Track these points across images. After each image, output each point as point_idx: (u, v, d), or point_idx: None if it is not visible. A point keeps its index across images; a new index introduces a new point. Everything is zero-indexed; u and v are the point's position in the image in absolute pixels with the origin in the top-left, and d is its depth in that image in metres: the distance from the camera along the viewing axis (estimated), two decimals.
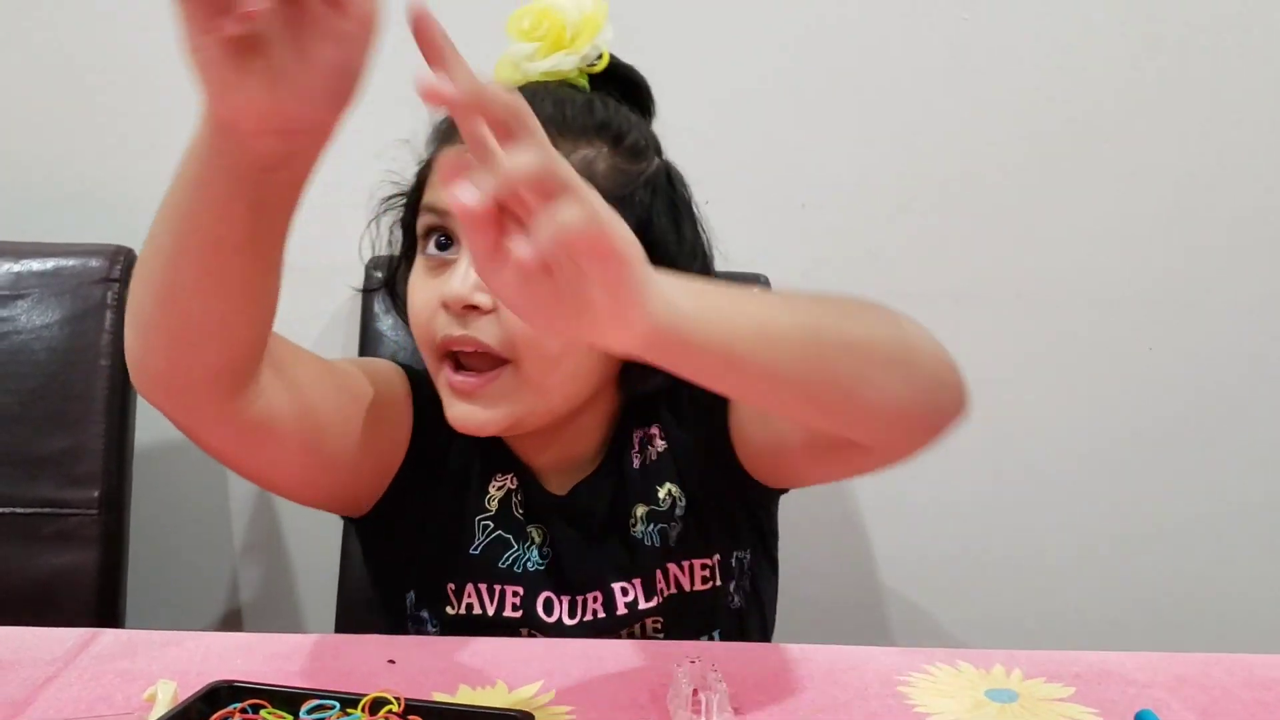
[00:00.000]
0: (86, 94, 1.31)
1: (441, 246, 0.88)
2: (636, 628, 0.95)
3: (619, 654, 0.84)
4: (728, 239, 1.33)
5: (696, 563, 0.96)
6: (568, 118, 0.88)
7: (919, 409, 0.78)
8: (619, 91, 0.94)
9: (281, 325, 1.37)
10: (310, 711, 0.67)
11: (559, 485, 0.97)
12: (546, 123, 0.82)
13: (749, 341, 0.68)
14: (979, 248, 1.35)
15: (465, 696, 0.77)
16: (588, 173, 0.86)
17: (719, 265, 1.29)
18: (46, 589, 1.15)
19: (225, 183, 0.65)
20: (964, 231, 1.34)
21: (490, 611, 0.94)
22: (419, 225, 0.90)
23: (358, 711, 0.67)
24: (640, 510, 0.95)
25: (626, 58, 1.30)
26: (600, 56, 0.93)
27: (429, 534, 0.96)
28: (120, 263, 1.21)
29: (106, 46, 1.30)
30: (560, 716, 0.75)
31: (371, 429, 0.90)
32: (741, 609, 0.99)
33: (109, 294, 1.20)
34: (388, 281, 0.98)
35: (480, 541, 0.95)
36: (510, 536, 0.95)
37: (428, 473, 0.95)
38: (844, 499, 1.22)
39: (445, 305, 0.85)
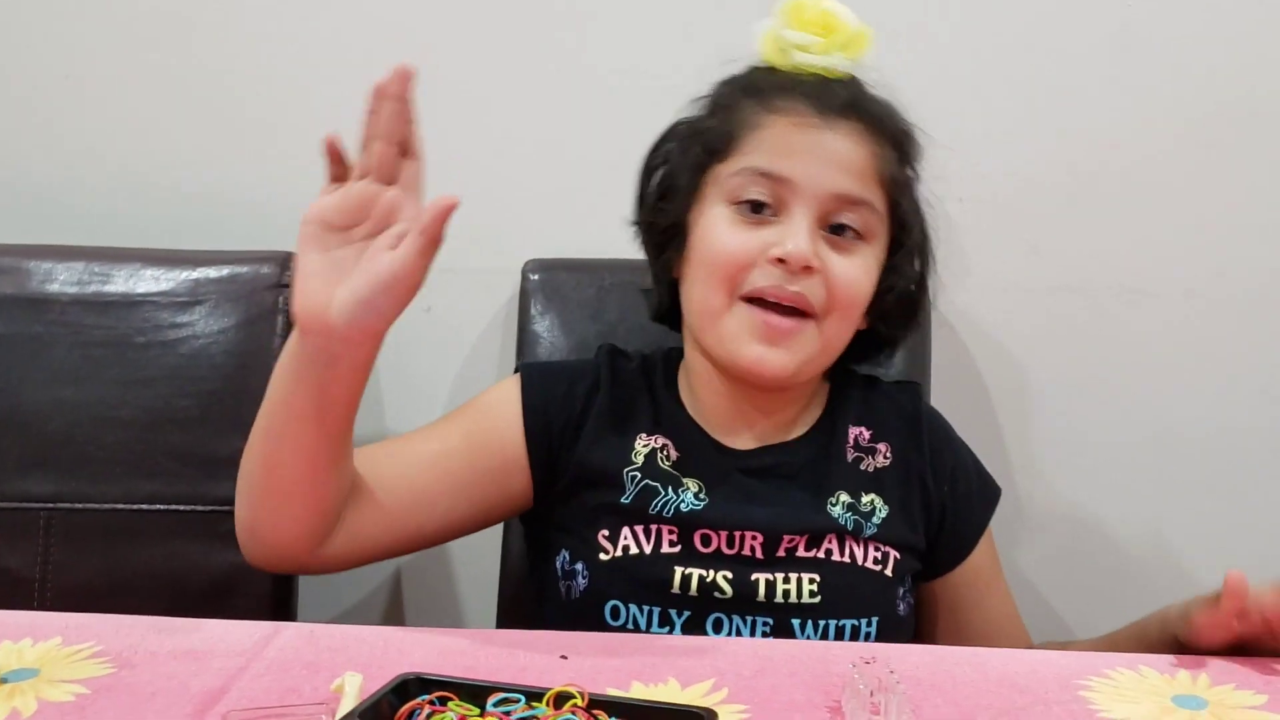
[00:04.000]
0: (260, 110, 1.36)
1: (757, 209, 0.96)
2: (793, 582, 0.96)
3: (790, 654, 0.84)
4: None
5: (873, 544, 0.99)
6: (889, 117, 1.00)
7: None
8: None
9: (443, 327, 1.40)
10: (496, 704, 0.69)
11: (743, 443, 1.02)
12: (874, 118, 0.98)
13: None
14: (1149, 243, 1.30)
15: (638, 692, 0.78)
16: (894, 170, 0.99)
17: None
18: (225, 584, 1.20)
19: (295, 369, 0.87)
20: (1133, 226, 1.30)
21: (648, 550, 0.97)
22: (734, 183, 0.97)
23: (543, 705, 0.68)
24: (844, 497, 1.01)
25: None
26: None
27: (579, 495, 1.01)
28: (290, 268, 1.25)
29: (280, 61, 1.35)
30: (735, 715, 0.75)
31: (471, 484, 1.00)
32: (905, 617, 1.01)
33: (280, 299, 1.24)
34: (663, 225, 1.02)
35: (630, 491, 0.99)
36: (658, 484, 0.99)
37: (565, 450, 1.02)
38: (1010, 501, 1.19)
39: (783, 260, 0.94)
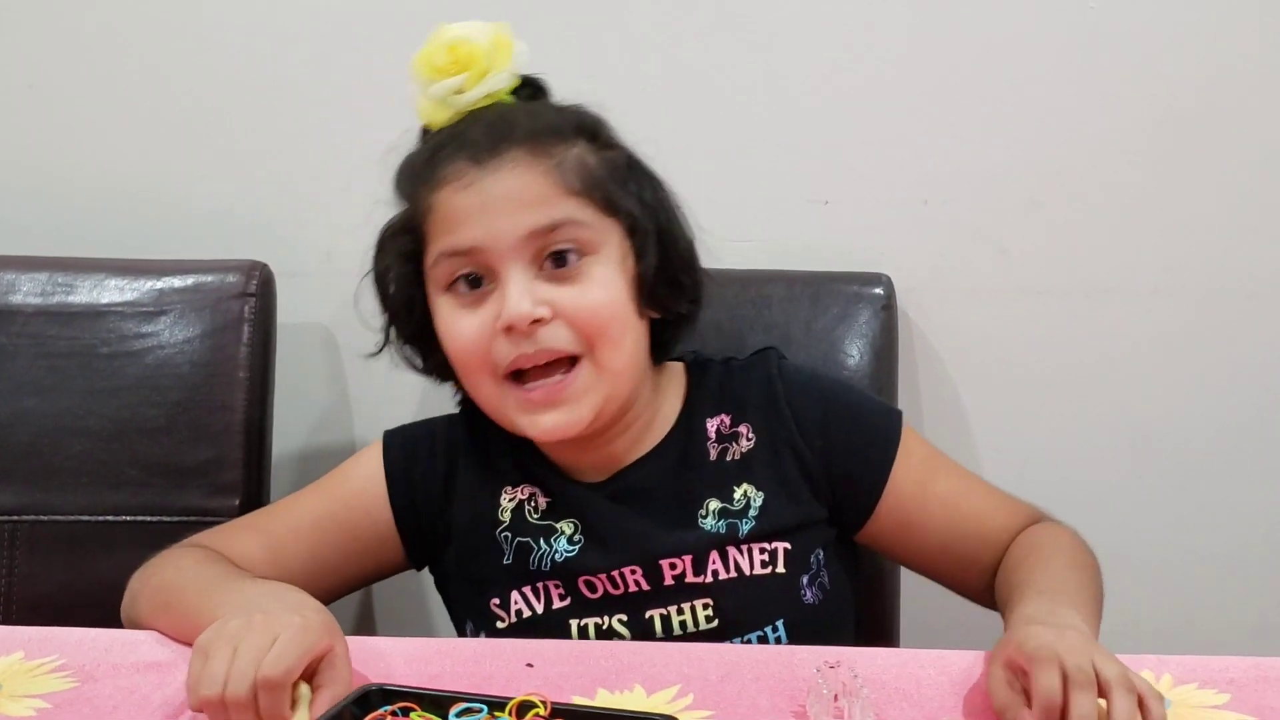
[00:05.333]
0: (223, 118, 1.36)
1: (473, 284, 0.93)
2: (687, 612, 0.95)
3: (755, 659, 0.84)
4: (849, 238, 1.33)
5: (756, 546, 0.97)
6: (547, 125, 0.94)
7: None
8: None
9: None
10: (459, 714, 0.69)
11: (600, 474, 0.99)
12: (529, 135, 0.92)
13: None
14: (1113, 242, 1.31)
15: (603, 700, 0.78)
16: (583, 168, 0.94)
17: (842, 266, 1.30)
18: None
19: None
20: (1098, 225, 1.30)
21: (540, 610, 0.97)
22: (439, 273, 0.94)
23: (505, 714, 0.68)
24: (713, 504, 0.97)
25: (744, 51, 1.30)
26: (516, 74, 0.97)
27: (464, 562, 1.01)
28: (256, 278, 1.25)
29: (240, 69, 1.35)
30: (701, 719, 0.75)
31: (337, 563, 1.00)
32: (818, 604, 0.98)
33: (246, 308, 1.23)
34: (410, 337, 1.00)
35: (508, 551, 0.98)
36: (529, 539, 0.98)
37: (435, 516, 1.01)
38: None
39: (510, 328, 0.90)
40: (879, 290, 1.26)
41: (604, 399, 0.93)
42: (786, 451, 0.99)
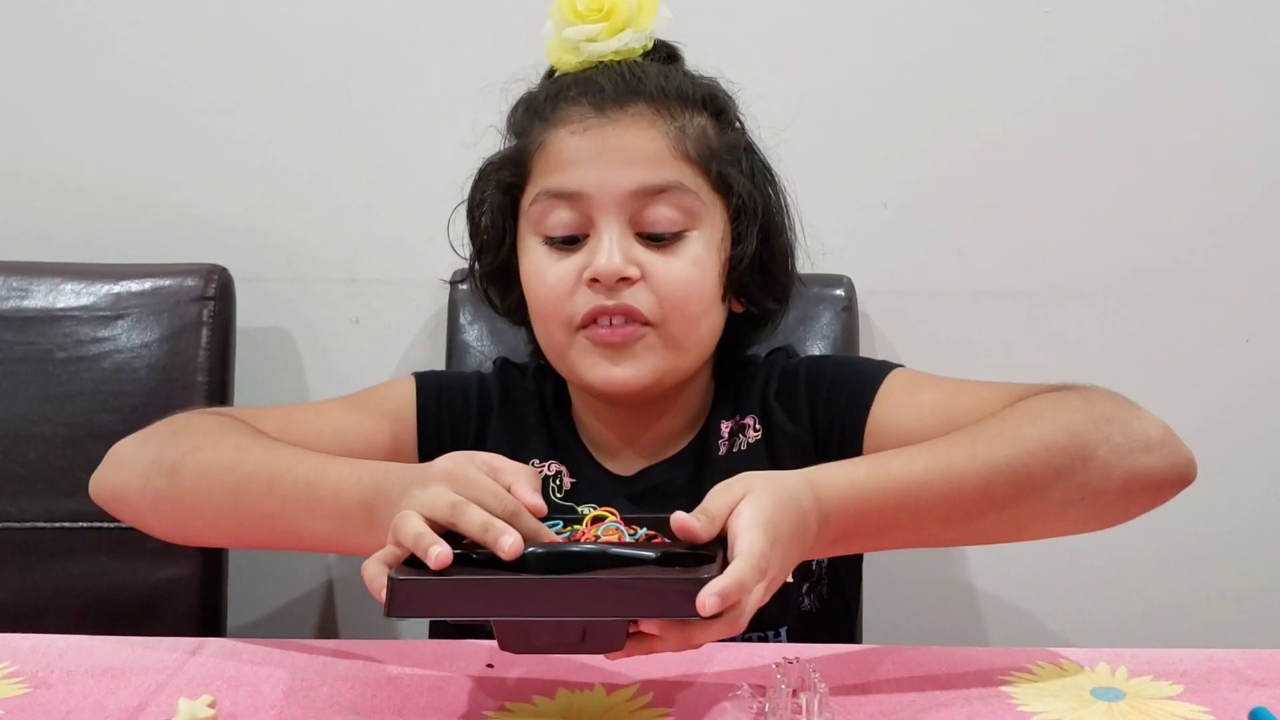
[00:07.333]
0: (182, 120, 1.35)
1: (569, 241, 0.92)
2: None
3: (714, 656, 0.84)
4: (809, 241, 1.33)
5: None
6: (677, 89, 0.94)
7: (1107, 503, 0.83)
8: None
9: (371, 339, 1.40)
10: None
11: (628, 467, 0.98)
12: (657, 94, 0.92)
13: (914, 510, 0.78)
14: (1069, 244, 1.33)
15: (564, 699, 0.78)
16: (704, 140, 0.93)
17: (803, 268, 1.29)
18: (151, 601, 1.19)
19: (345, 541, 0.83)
20: (1054, 228, 1.32)
21: None
22: (535, 212, 0.93)
23: (582, 526, 0.75)
24: None
25: (702, 54, 1.31)
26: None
27: None
28: (215, 281, 1.25)
29: (205, 75, 1.34)
30: (659, 717, 0.75)
31: None
32: (814, 612, 0.97)
33: (204, 312, 1.23)
34: (491, 272, 0.99)
35: None
36: (547, 522, 0.95)
37: None
38: None
39: (597, 279, 0.90)
40: (840, 292, 1.27)
41: (668, 367, 0.93)
42: (783, 440, 0.97)
